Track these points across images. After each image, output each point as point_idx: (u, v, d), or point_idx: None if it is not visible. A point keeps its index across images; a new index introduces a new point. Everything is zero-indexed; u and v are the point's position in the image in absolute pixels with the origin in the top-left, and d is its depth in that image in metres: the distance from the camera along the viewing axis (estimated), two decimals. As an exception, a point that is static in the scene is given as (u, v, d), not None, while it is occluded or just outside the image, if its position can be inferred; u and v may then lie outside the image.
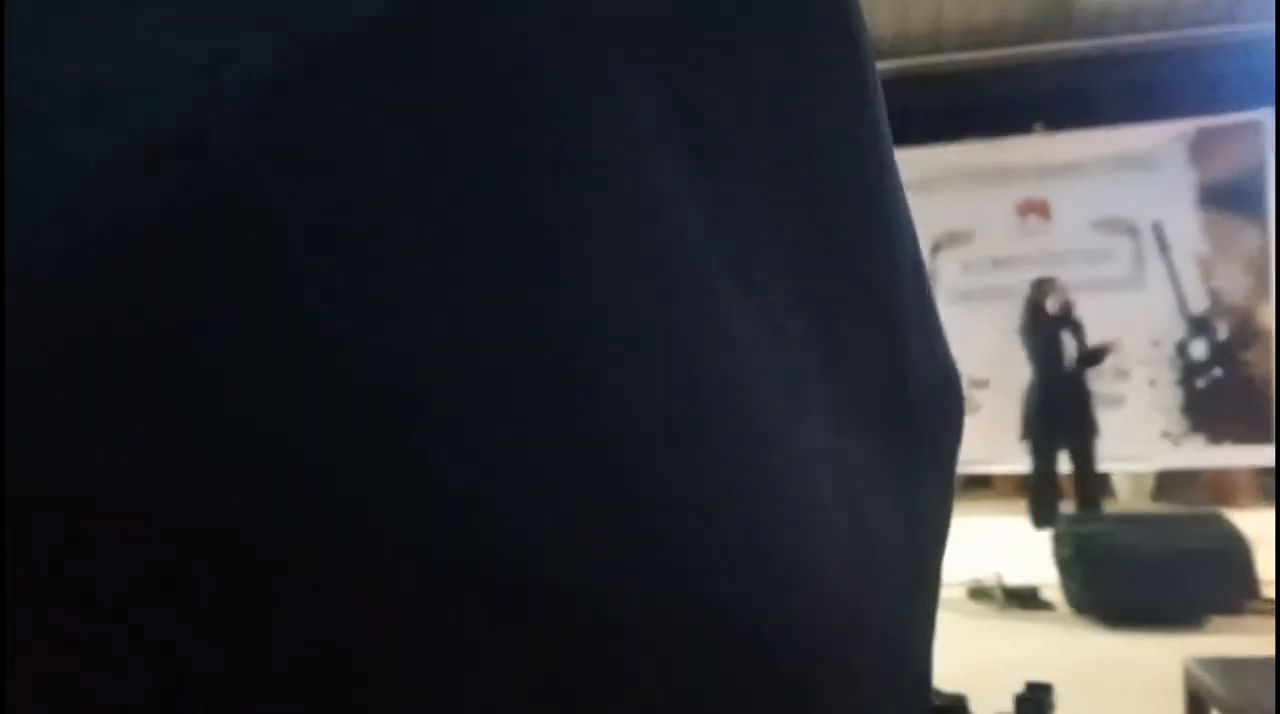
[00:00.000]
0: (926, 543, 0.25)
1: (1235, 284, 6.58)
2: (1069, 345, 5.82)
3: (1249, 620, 4.12)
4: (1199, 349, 6.64)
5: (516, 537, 0.15)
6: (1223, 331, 6.60)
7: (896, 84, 7.82)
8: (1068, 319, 5.89)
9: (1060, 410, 5.78)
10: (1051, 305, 5.87)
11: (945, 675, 3.39)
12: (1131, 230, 6.72)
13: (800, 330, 0.20)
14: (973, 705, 2.90)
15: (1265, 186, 6.46)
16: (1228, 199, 6.57)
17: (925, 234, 7.32)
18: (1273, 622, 4.10)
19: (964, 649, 4.08)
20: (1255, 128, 6.51)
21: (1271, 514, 6.12)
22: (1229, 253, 6.58)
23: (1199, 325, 6.63)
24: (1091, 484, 5.84)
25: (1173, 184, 6.65)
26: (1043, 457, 5.91)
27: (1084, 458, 5.82)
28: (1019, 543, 5.73)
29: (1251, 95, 6.67)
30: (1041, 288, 5.95)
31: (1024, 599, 4.56)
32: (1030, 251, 6.85)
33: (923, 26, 7.36)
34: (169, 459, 0.13)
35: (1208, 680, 2.14)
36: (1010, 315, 6.52)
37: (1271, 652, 3.26)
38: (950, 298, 7.02)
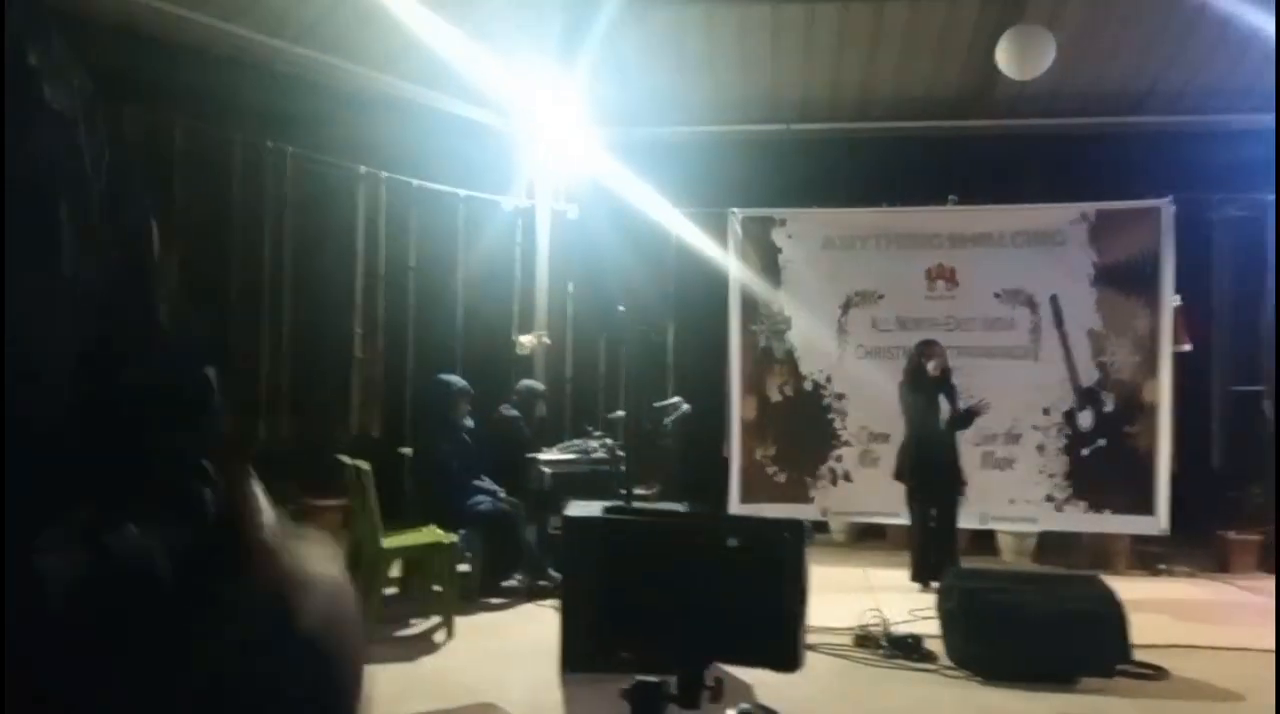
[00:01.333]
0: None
1: (1124, 360, 6.94)
2: (944, 407, 6.01)
3: (1119, 683, 4.29)
4: (1086, 419, 6.96)
5: None
6: (1110, 404, 6.94)
7: (826, 146, 8.11)
8: (945, 382, 6.08)
9: (932, 468, 5.96)
10: (932, 368, 6.06)
11: (827, 720, 3.40)
12: (1031, 302, 7.05)
13: None
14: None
15: (1159, 270, 6.85)
16: (1122, 280, 6.94)
17: (840, 290, 7.54)
18: (1140, 685, 4.29)
19: (847, 696, 4.15)
20: (1153, 214, 6.90)
21: (1147, 583, 6.43)
22: (1120, 330, 6.94)
23: (1088, 396, 6.96)
24: (947, 541, 6.01)
25: (1072, 262, 7.01)
26: (917, 512, 6.08)
27: (947, 516, 6.00)
28: (908, 594, 5.87)
29: (1152, 184, 7.09)
30: (924, 350, 6.15)
31: (907, 649, 4.65)
32: (936, 315, 7.11)
33: (853, 93, 7.65)
34: None
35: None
36: (915, 374, 6.74)
37: None
38: (858, 353, 7.23)
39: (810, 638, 5.06)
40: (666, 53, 7.39)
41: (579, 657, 3.97)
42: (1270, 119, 7.33)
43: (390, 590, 5.50)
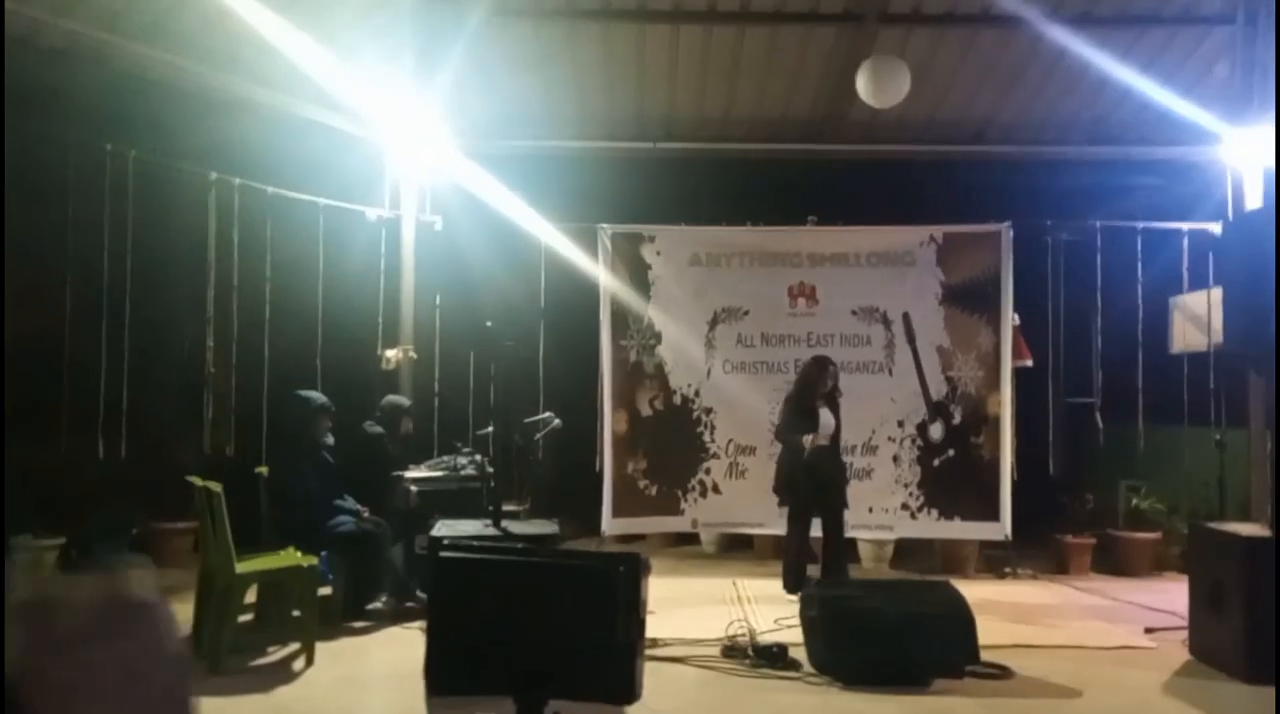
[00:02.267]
0: None
1: (970, 375, 7.35)
2: (829, 422, 6.21)
3: (968, 683, 4.52)
4: (937, 431, 7.33)
5: None
6: (958, 417, 7.33)
7: (691, 164, 8.27)
8: (833, 397, 6.29)
9: (819, 481, 6.15)
10: (823, 383, 6.27)
11: (696, 733, 3.43)
12: (885, 319, 7.38)
13: None
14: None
15: (1000, 290, 7.29)
16: (967, 299, 7.35)
17: (707, 306, 7.70)
18: (987, 685, 4.53)
19: (713, 707, 4.21)
20: (994, 238, 7.35)
21: (994, 585, 6.81)
22: (966, 347, 7.35)
23: (938, 409, 7.33)
24: (840, 552, 6.22)
25: (922, 281, 7.38)
26: (798, 523, 6.25)
27: (835, 527, 6.21)
28: (775, 603, 6.02)
29: (993, 209, 7.55)
30: (818, 364, 6.34)
31: (773, 658, 4.76)
32: (798, 331, 7.35)
33: (716, 114, 7.84)
34: None
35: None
36: (779, 388, 6.94)
37: None
38: (725, 368, 7.39)
39: (679, 650, 5.14)
40: (532, 67, 7.38)
41: (441, 681, 3.86)
42: (1092, 150, 7.97)
43: (246, 618, 5.23)
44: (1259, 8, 6.80)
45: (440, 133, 7.16)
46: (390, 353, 7.13)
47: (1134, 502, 7.70)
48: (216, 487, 4.70)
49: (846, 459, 7.21)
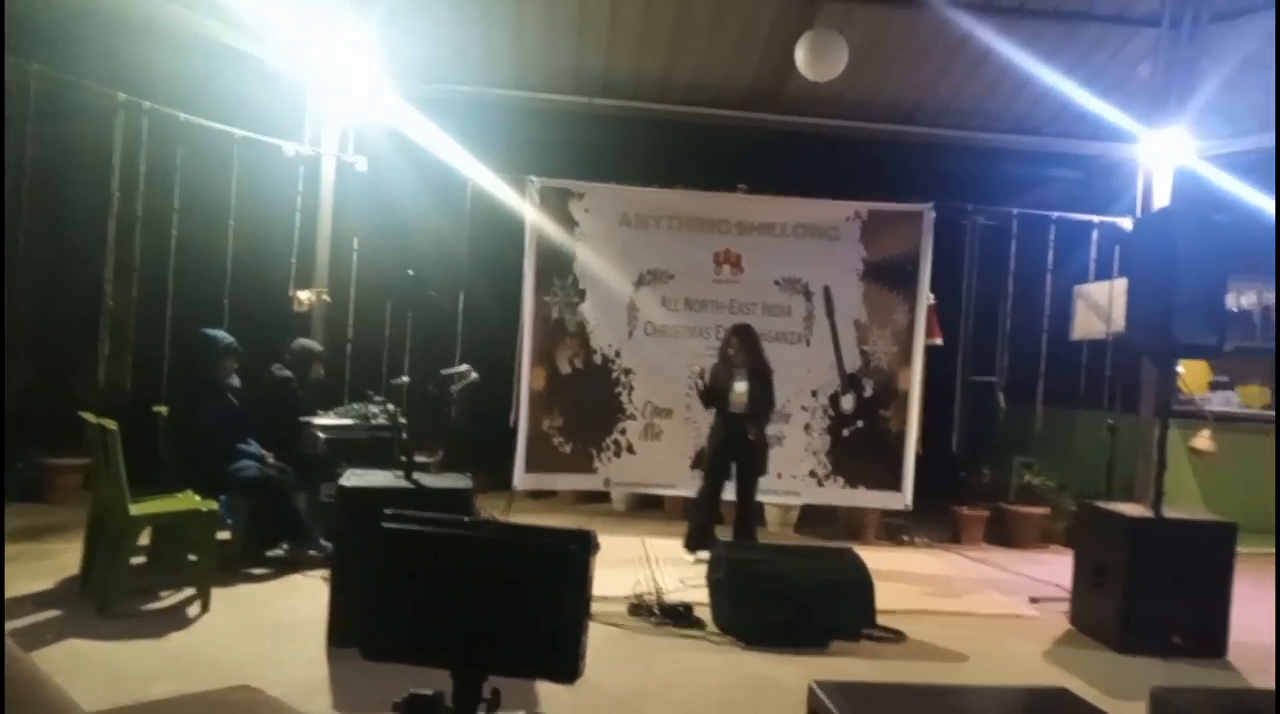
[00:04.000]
0: None
1: (884, 350, 7.52)
2: (742, 389, 6.27)
3: (864, 646, 4.68)
4: (848, 402, 7.50)
5: None
6: (869, 390, 7.50)
7: (626, 123, 8.18)
8: (757, 365, 6.36)
9: (735, 447, 6.24)
10: (725, 350, 6.33)
11: (601, 683, 3.50)
12: (807, 291, 7.47)
13: None
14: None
15: (919, 269, 7.45)
16: (886, 276, 7.50)
17: (633, 267, 7.67)
18: (881, 648, 4.70)
19: (618, 662, 4.26)
20: (916, 218, 7.49)
21: (892, 553, 7.04)
22: (882, 322, 7.51)
23: (851, 382, 7.50)
24: (750, 518, 6.34)
25: (845, 256, 7.49)
26: (709, 484, 6.35)
27: (745, 493, 6.32)
28: (682, 563, 6.11)
29: (917, 189, 7.70)
30: (728, 335, 6.41)
31: (678, 617, 4.84)
32: (721, 298, 7.39)
33: (655, 74, 7.75)
34: None
35: (829, 704, 2.40)
36: (699, 353, 6.98)
37: (884, 677, 3.71)
38: (647, 330, 7.39)
39: (586, 608, 5.12)
40: (472, 11, 7.16)
41: (348, 635, 3.82)
42: (1016, 139, 8.17)
43: (138, 560, 5.05)
44: (1184, 12, 7.03)
45: (369, 70, 6.91)
46: (303, 294, 6.92)
47: (1026, 478, 8.04)
48: (112, 424, 4.50)
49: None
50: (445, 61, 7.45)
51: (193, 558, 4.94)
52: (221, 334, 5.60)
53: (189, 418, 5.36)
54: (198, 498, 4.91)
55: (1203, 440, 7.87)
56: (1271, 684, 4.05)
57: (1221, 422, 8.23)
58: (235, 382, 5.63)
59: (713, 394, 6.27)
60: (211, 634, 4.30)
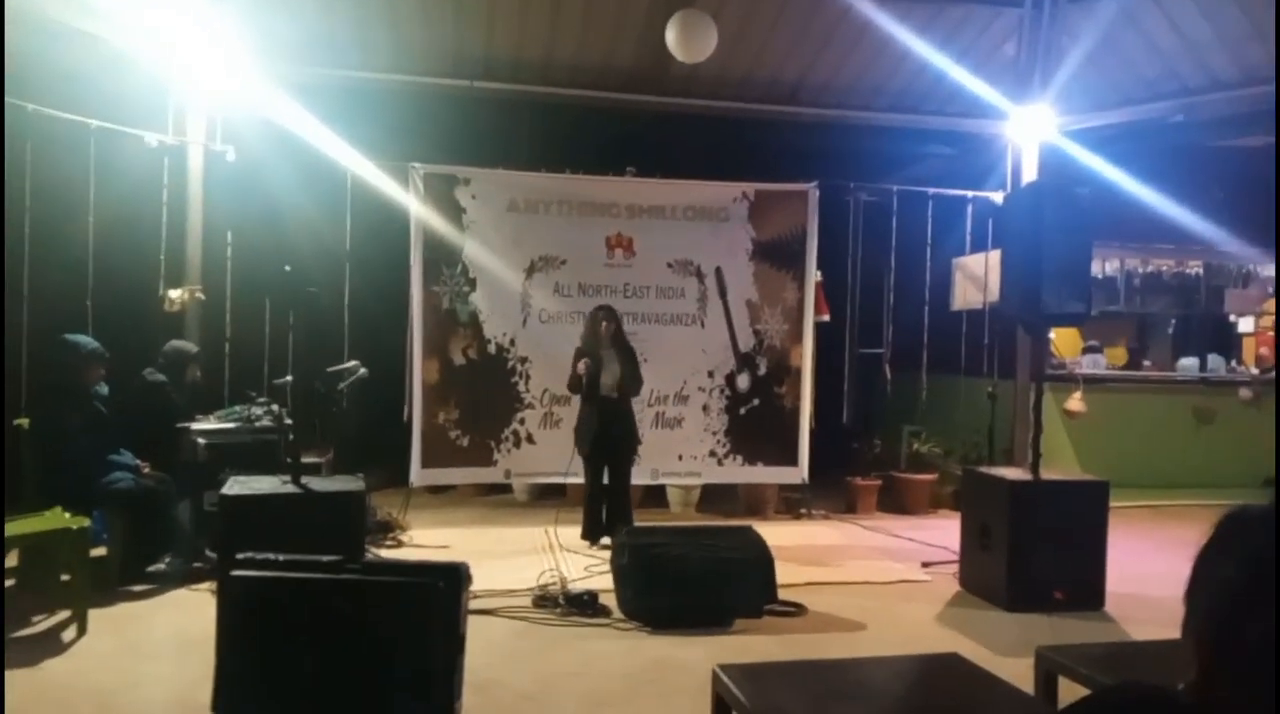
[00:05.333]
0: None
1: (776, 328, 7.65)
2: (613, 371, 6.26)
3: (766, 621, 4.76)
4: (744, 381, 7.60)
5: None
6: (763, 368, 7.62)
7: (509, 106, 8.02)
8: (620, 345, 6.35)
9: (606, 430, 6.23)
10: (605, 332, 6.30)
11: (506, 679, 3.43)
12: (699, 273, 7.52)
13: None
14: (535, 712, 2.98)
15: (805, 247, 7.59)
16: (775, 255, 7.62)
17: (524, 254, 7.56)
18: (783, 622, 4.79)
19: (523, 657, 4.22)
20: (802, 197, 7.62)
21: (791, 526, 7.19)
22: (773, 301, 7.62)
23: (746, 361, 7.60)
24: (622, 504, 6.31)
25: (735, 237, 7.56)
26: (593, 472, 6.33)
27: (617, 479, 6.32)
28: (586, 552, 6.09)
29: (801, 168, 7.82)
30: (598, 315, 6.37)
31: (584, 606, 4.82)
32: (614, 282, 7.37)
33: (536, 56, 7.61)
34: None
35: (732, 686, 2.42)
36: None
37: (787, 655, 3.77)
38: (541, 317, 7.31)
39: (490, 602, 5.08)
40: (342, -9, 6.88)
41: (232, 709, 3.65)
42: (894, 118, 8.38)
43: (7, 583, 4.72)
44: (1046, -9, 7.31)
45: (234, 54, 6.56)
46: (174, 294, 6.56)
47: (915, 446, 8.33)
48: (-35, 442, 4.18)
49: (659, 409, 7.37)
50: (317, 45, 7.14)
51: (65, 578, 4.65)
52: (85, 339, 5.27)
53: (52, 430, 5.03)
54: (67, 515, 4.61)
55: (1075, 402, 8.31)
56: (1145, 634, 4.30)
57: (1090, 383, 8.70)
58: (103, 389, 5.31)
59: (593, 380, 6.22)
60: (90, 659, 4.05)
